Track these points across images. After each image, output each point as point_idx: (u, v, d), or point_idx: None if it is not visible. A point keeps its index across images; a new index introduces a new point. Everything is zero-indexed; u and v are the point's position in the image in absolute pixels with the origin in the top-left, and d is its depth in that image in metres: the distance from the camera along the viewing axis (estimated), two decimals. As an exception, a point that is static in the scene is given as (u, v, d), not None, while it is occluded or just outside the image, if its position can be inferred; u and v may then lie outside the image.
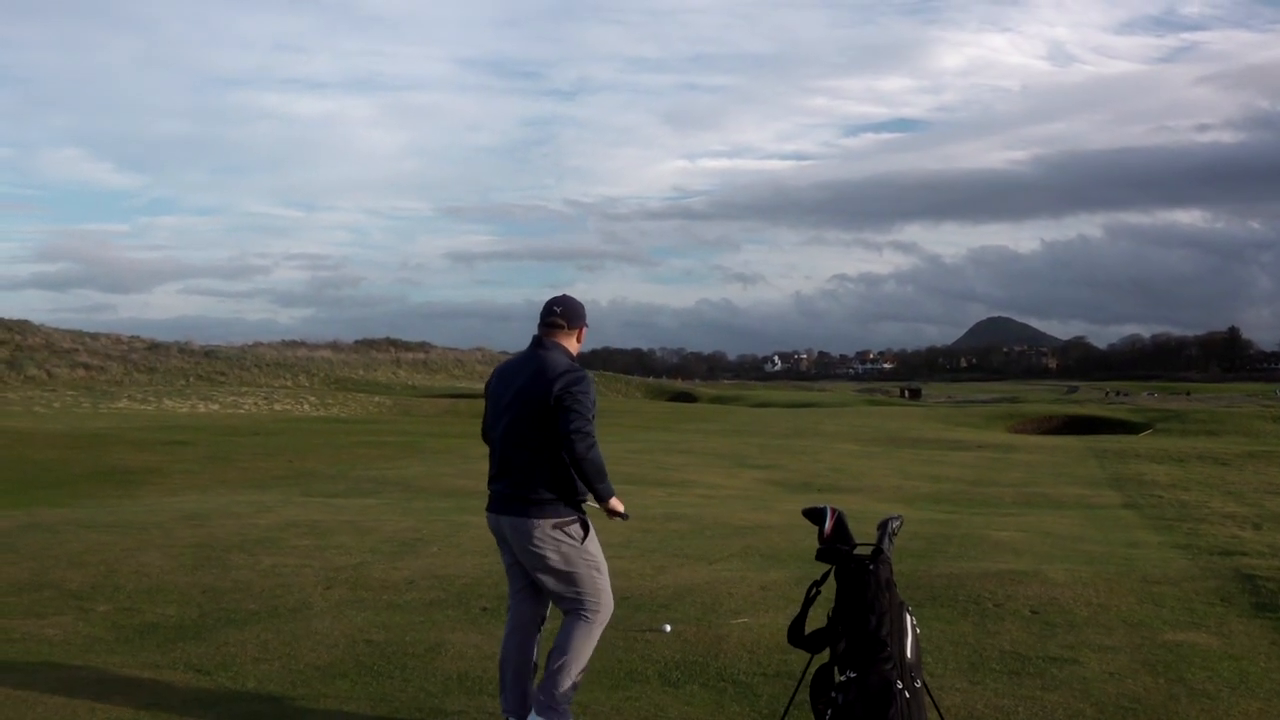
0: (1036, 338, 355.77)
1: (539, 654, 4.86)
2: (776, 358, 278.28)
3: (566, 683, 4.59)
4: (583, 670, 4.66)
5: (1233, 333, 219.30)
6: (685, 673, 5.73)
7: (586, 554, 4.68)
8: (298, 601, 7.42)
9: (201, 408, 41.39)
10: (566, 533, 4.62)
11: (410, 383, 72.06)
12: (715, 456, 24.44)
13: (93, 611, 7.17)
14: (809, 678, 4.46)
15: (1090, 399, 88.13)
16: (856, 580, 4.29)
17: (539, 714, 4.58)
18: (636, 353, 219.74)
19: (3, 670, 5.75)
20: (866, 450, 28.44)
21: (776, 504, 14.59)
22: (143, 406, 40.31)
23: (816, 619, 4.46)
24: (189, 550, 9.18)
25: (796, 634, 4.45)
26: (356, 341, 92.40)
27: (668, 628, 6.49)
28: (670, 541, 10.10)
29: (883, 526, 4.48)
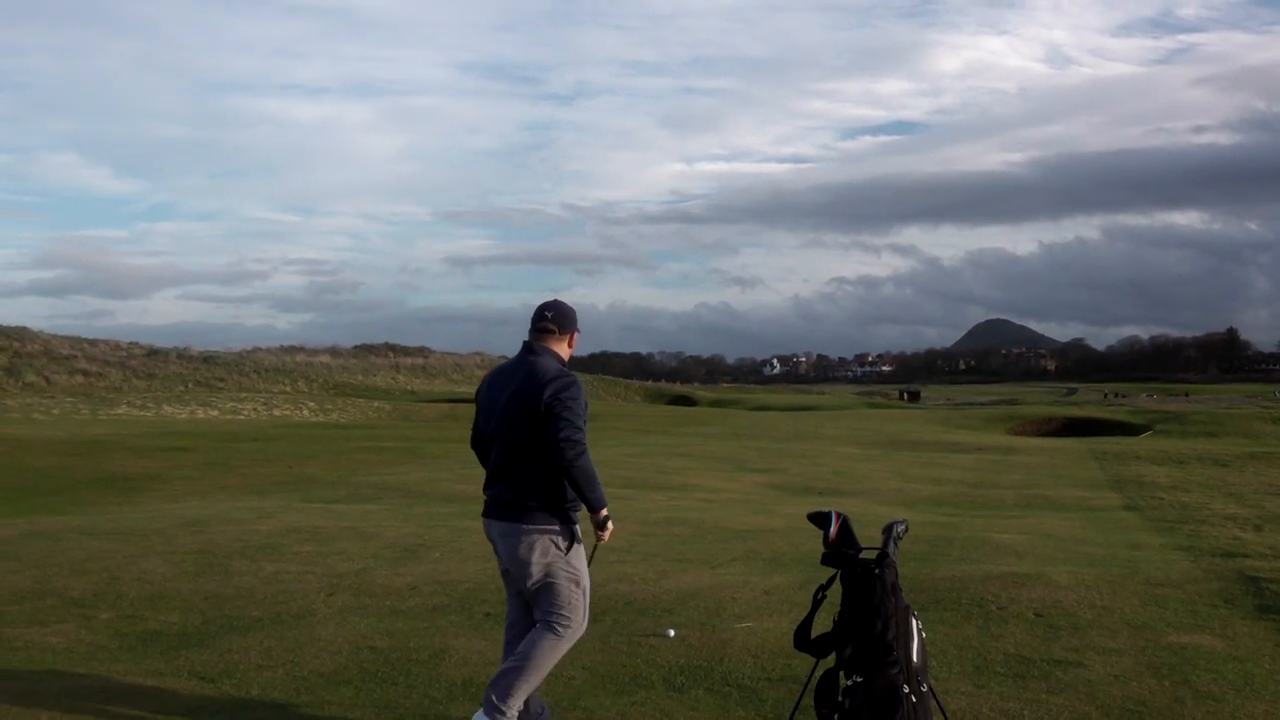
0: (1035, 340, 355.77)
1: None
2: (775, 361, 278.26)
3: (517, 686, 4.53)
4: (537, 681, 4.61)
5: (1231, 334, 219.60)
6: (690, 678, 5.73)
7: (569, 566, 4.64)
8: (301, 608, 7.41)
9: (201, 414, 41.34)
10: (552, 541, 4.59)
11: (409, 388, 72.06)
12: (715, 460, 24.43)
13: (95, 619, 7.15)
14: (814, 682, 4.46)
15: (1089, 401, 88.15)
16: (862, 584, 4.28)
17: (485, 713, 4.55)
18: (635, 356, 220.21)
19: (6, 679, 5.73)
20: (867, 453, 28.43)
21: (778, 508, 14.58)
22: (142, 413, 40.27)
23: (822, 623, 4.46)
24: (191, 557, 9.17)
25: (803, 638, 4.45)
26: (355, 347, 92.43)
27: (671, 632, 6.49)
28: (672, 546, 10.09)
29: (888, 530, 4.47)
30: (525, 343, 4.79)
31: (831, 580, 4.46)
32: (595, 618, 6.96)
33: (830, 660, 4.39)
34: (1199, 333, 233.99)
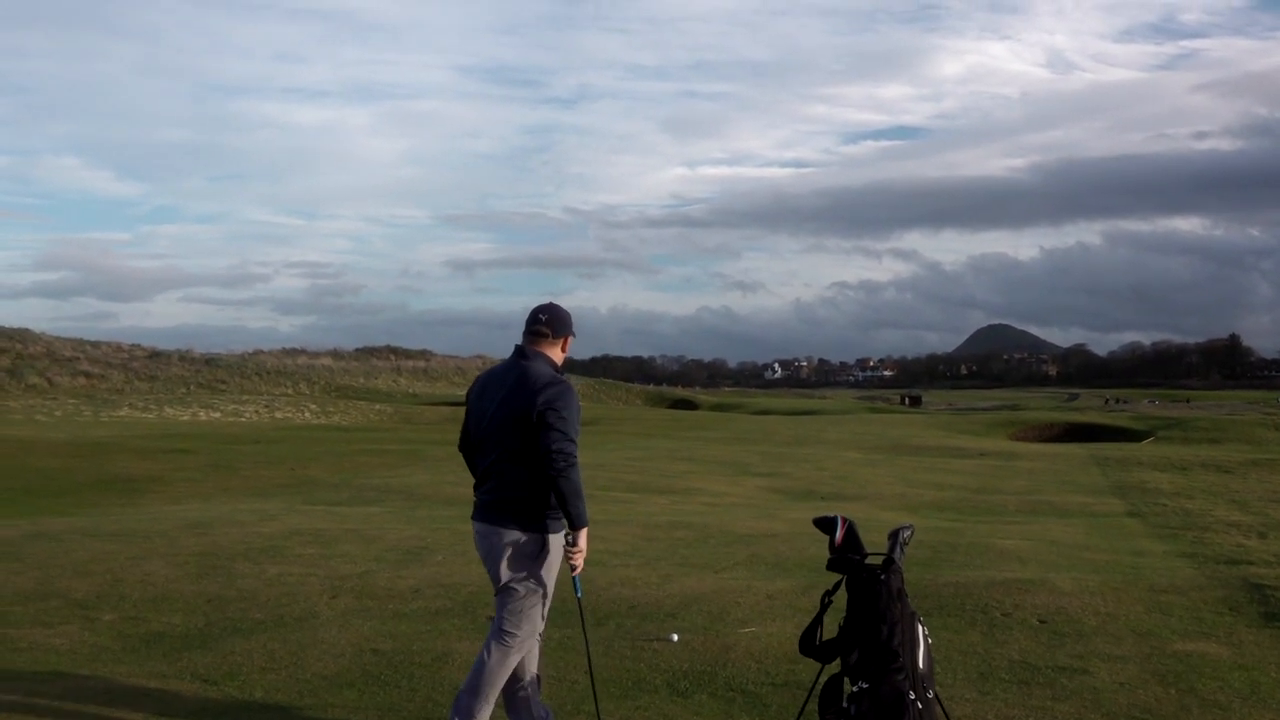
0: (1037, 345, 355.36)
1: (540, 664, 4.83)
2: (777, 365, 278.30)
3: (477, 706, 4.52)
4: (494, 696, 4.57)
5: (1233, 340, 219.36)
6: (693, 682, 5.71)
7: (534, 574, 4.59)
8: (303, 611, 7.40)
9: (203, 416, 41.32)
10: (524, 548, 4.56)
11: (411, 390, 72.03)
12: (718, 464, 24.40)
13: (98, 621, 7.14)
14: (819, 688, 4.44)
15: (1091, 406, 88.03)
16: (868, 590, 4.27)
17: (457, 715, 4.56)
18: (637, 360, 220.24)
19: (10, 680, 5.73)
20: (869, 458, 28.39)
21: (780, 512, 14.56)
22: (144, 415, 40.26)
23: (827, 629, 4.44)
24: (193, 559, 9.16)
25: (809, 643, 4.43)
26: (357, 349, 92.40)
27: (675, 637, 6.48)
28: (675, 550, 10.08)
29: (894, 536, 4.46)
30: (518, 346, 4.72)
31: (837, 585, 4.45)
32: (599, 622, 6.97)
33: (835, 666, 4.38)
34: (1201, 339, 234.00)
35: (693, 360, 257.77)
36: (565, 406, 4.49)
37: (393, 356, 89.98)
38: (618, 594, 7.75)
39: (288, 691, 5.60)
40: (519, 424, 4.49)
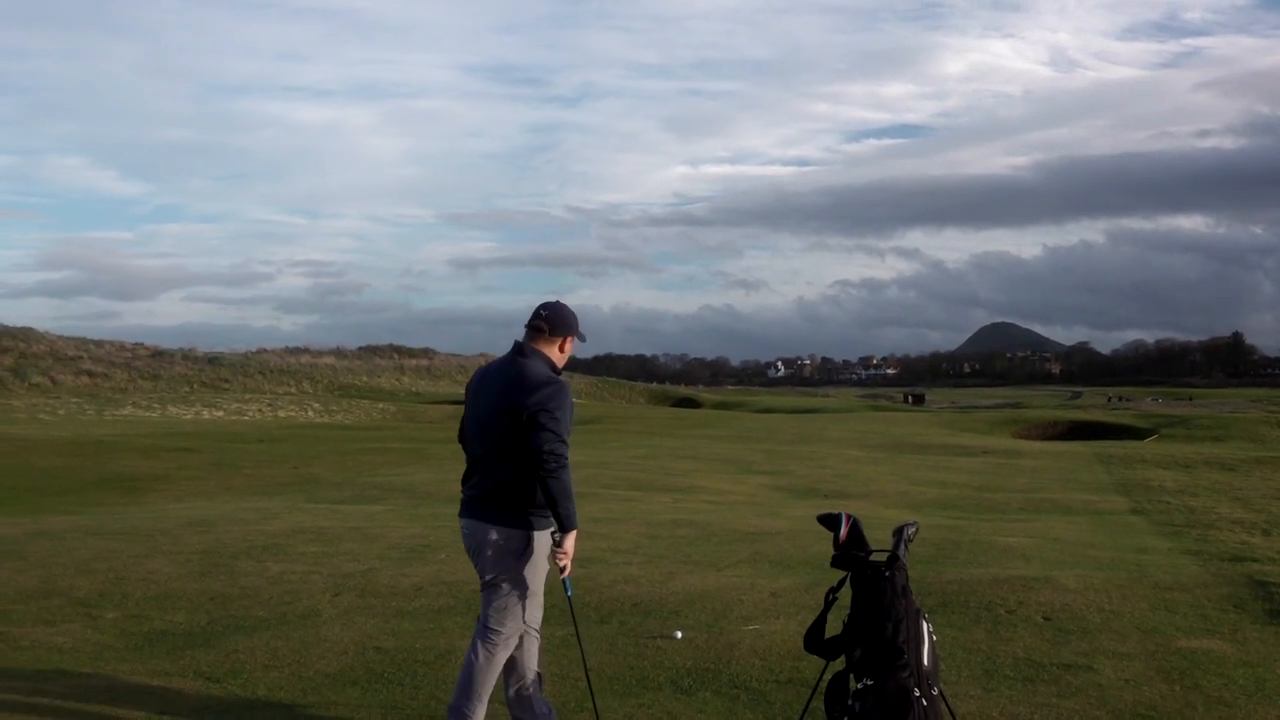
0: (1039, 343, 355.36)
1: (541, 661, 4.83)
2: (780, 363, 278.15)
3: (471, 707, 4.51)
4: (487, 695, 4.55)
5: (1236, 338, 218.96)
6: (697, 680, 5.70)
7: (519, 571, 4.56)
8: (306, 608, 7.39)
9: (206, 414, 41.36)
10: (510, 545, 4.53)
11: (414, 389, 72.03)
12: (721, 462, 24.38)
13: (101, 619, 7.14)
14: (823, 685, 4.43)
15: (1094, 404, 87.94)
16: (873, 587, 4.25)
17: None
18: (639, 359, 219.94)
19: (12, 678, 5.73)
20: (872, 456, 28.36)
21: (783, 510, 14.55)
22: (147, 414, 40.30)
23: (831, 626, 4.43)
24: (196, 557, 9.16)
25: (814, 640, 4.41)
26: (360, 348, 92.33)
27: (678, 634, 6.47)
28: (678, 547, 10.07)
29: (898, 533, 4.45)
30: (516, 342, 4.69)
31: (842, 583, 4.43)
32: (602, 620, 6.96)
33: (840, 663, 4.36)
34: (1204, 337, 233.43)
35: (695, 359, 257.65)
36: (558, 407, 4.45)
37: (396, 355, 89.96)
38: (621, 591, 7.73)
39: (290, 689, 5.60)
40: (511, 421, 4.46)
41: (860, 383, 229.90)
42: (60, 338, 61.90)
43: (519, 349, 4.65)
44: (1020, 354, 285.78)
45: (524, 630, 4.69)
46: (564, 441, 4.45)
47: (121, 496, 16.47)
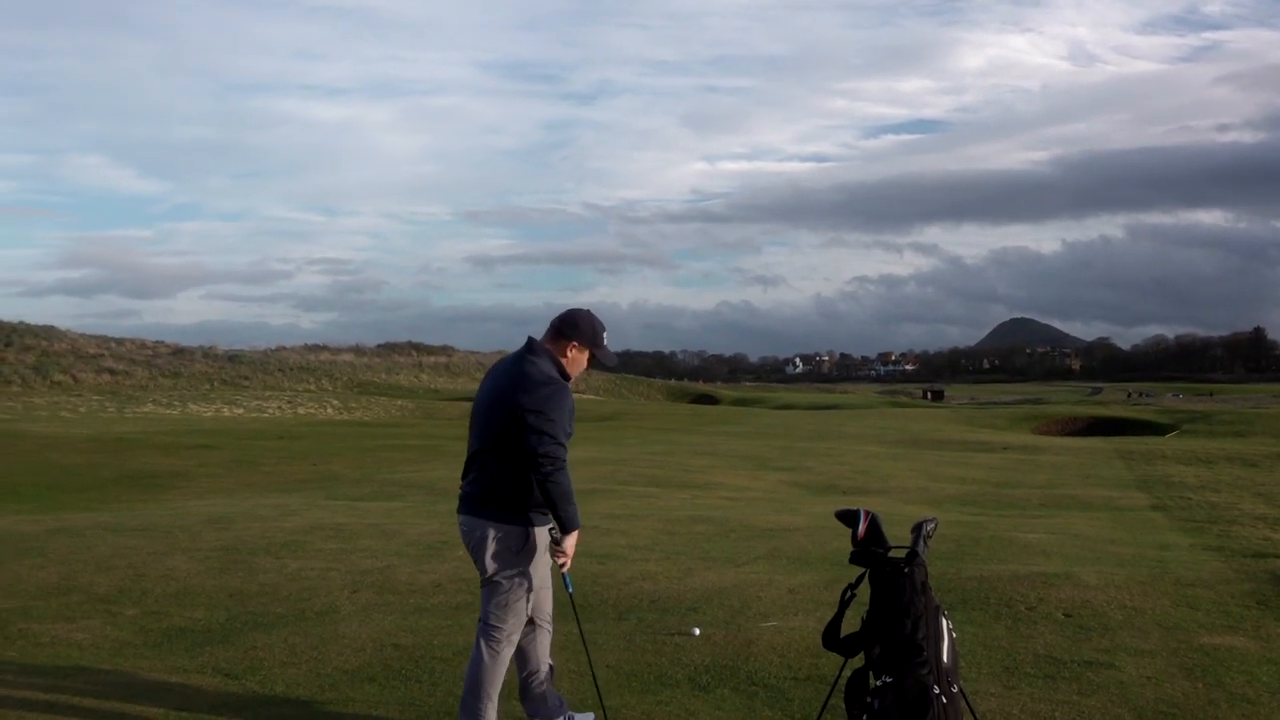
0: (1059, 339, 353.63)
1: (552, 655, 4.82)
2: (798, 360, 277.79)
3: (480, 706, 4.49)
4: (495, 693, 4.53)
5: (1258, 333, 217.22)
6: (715, 677, 5.68)
7: (518, 567, 4.52)
8: (325, 605, 7.40)
9: (226, 412, 41.58)
10: (507, 541, 4.49)
11: (432, 386, 72.25)
12: (739, 458, 24.34)
13: (121, 615, 7.17)
14: (843, 682, 4.40)
15: (1114, 400, 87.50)
16: (891, 583, 4.22)
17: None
18: (658, 355, 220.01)
19: (32, 674, 5.75)
20: (891, 452, 28.27)
21: (802, 506, 14.51)
22: (168, 411, 40.52)
23: (850, 623, 4.40)
24: (215, 554, 9.19)
25: (831, 637, 4.38)
26: (379, 345, 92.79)
27: (696, 631, 6.44)
28: (696, 544, 10.05)
29: (917, 529, 4.41)
30: (529, 339, 4.66)
31: (860, 579, 4.39)
32: (620, 616, 6.95)
33: (859, 660, 4.33)
34: (1225, 332, 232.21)
35: (713, 355, 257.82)
36: (553, 408, 4.40)
37: (414, 352, 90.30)
38: (639, 588, 7.72)
39: (308, 686, 5.60)
40: (507, 418, 4.42)
41: (879, 379, 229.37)
42: (82, 336, 62.39)
43: (529, 346, 4.62)
44: (1040, 350, 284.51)
45: (536, 623, 4.68)
46: (560, 444, 4.39)
47: (141, 493, 16.55)
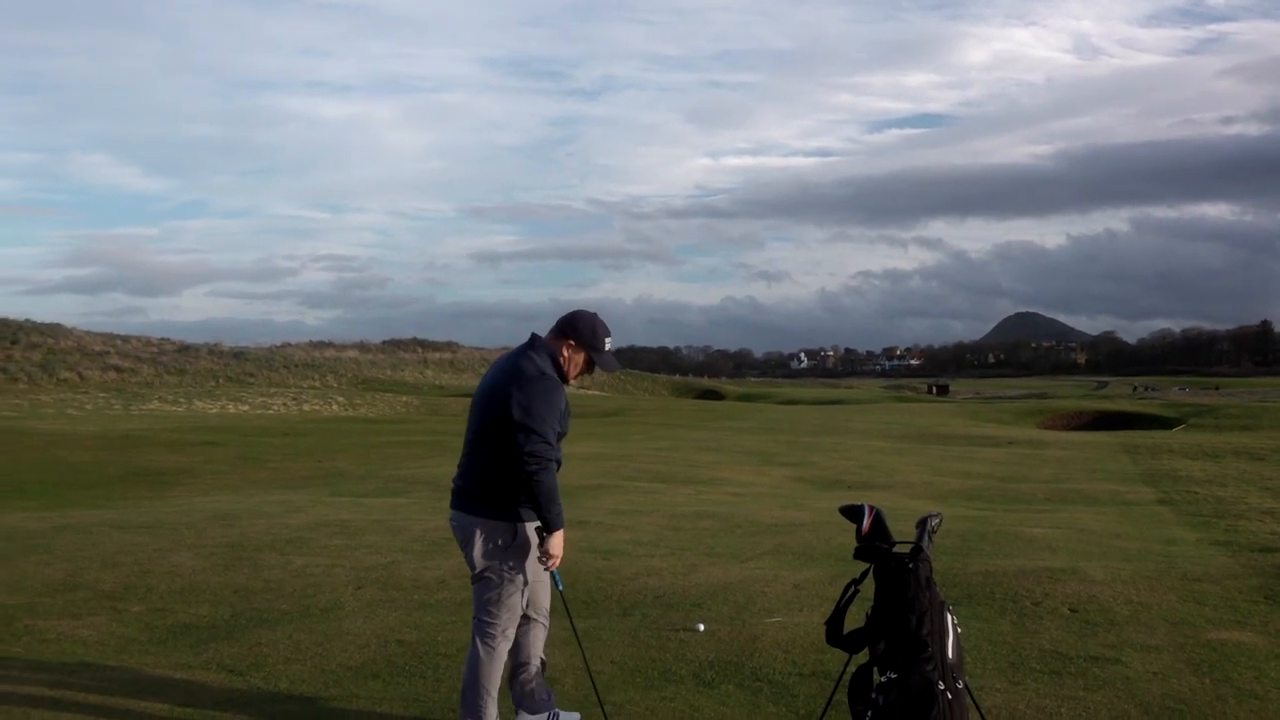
0: (1065, 333, 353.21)
1: (543, 649, 4.83)
2: (803, 355, 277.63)
3: (479, 702, 4.48)
4: (494, 689, 4.52)
5: (1265, 326, 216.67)
6: (720, 672, 5.67)
7: (508, 562, 4.50)
8: (329, 601, 7.40)
9: (231, 408, 41.64)
10: (495, 536, 4.47)
11: (437, 382, 72.28)
12: (744, 454, 24.32)
13: (126, 612, 7.18)
14: (847, 678, 4.39)
15: (1120, 394, 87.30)
16: (896, 579, 4.20)
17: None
18: (662, 350, 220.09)
19: (38, 670, 5.76)
20: (896, 447, 28.23)
21: (807, 501, 14.49)
22: (173, 408, 40.59)
23: (854, 619, 4.38)
24: (221, 550, 9.19)
25: (835, 633, 4.37)
26: (384, 342, 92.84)
27: (701, 627, 6.43)
28: (701, 539, 10.04)
29: (922, 524, 4.39)
30: (532, 334, 4.64)
31: (865, 574, 4.38)
32: (624, 612, 6.94)
33: (863, 656, 4.32)
34: (1231, 325, 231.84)
35: (718, 350, 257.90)
36: (545, 405, 4.36)
37: (419, 349, 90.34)
38: (643, 584, 7.71)
39: (313, 682, 5.60)
40: (497, 412, 4.40)
41: (884, 374, 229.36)
42: (88, 333, 62.46)
43: (532, 341, 4.61)
44: (1045, 344, 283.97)
45: (532, 618, 4.68)
46: (547, 442, 4.34)
47: (147, 490, 16.57)
